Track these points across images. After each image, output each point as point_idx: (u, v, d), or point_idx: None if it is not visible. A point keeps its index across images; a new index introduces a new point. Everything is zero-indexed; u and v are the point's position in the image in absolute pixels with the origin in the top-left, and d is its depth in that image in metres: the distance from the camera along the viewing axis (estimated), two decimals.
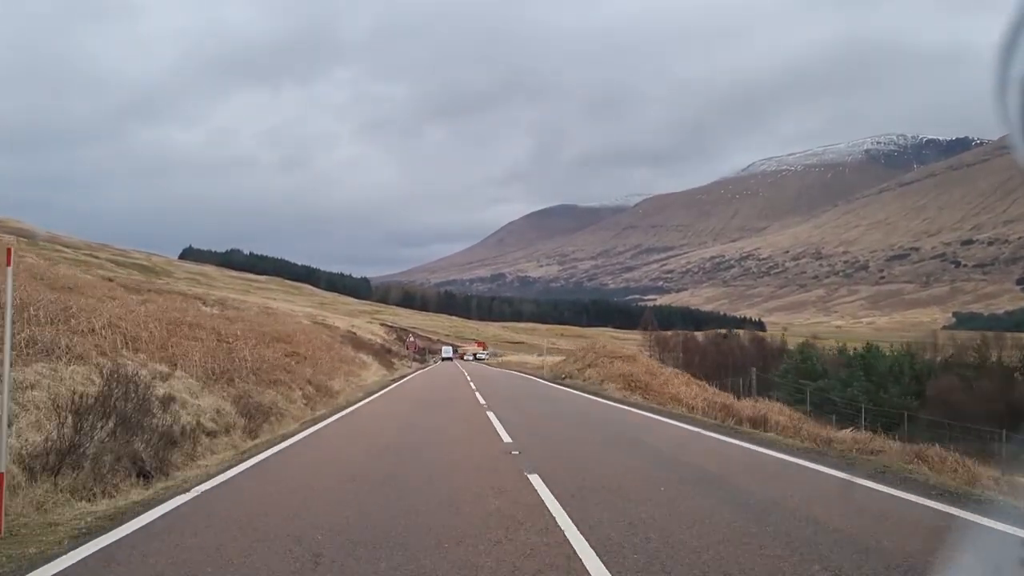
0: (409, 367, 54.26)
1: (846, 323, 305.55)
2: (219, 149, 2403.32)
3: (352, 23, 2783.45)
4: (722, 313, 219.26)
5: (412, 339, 67.73)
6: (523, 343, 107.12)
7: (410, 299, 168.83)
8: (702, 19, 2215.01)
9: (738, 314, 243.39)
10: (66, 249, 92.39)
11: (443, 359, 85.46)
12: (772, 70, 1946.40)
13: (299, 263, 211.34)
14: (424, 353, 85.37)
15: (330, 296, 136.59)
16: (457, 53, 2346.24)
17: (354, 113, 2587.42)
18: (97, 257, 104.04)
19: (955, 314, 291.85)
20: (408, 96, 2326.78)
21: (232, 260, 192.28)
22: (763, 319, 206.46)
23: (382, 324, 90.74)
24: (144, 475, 7.58)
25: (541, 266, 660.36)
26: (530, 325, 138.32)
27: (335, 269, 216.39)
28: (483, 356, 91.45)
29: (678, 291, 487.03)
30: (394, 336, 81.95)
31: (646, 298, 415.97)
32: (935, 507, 6.31)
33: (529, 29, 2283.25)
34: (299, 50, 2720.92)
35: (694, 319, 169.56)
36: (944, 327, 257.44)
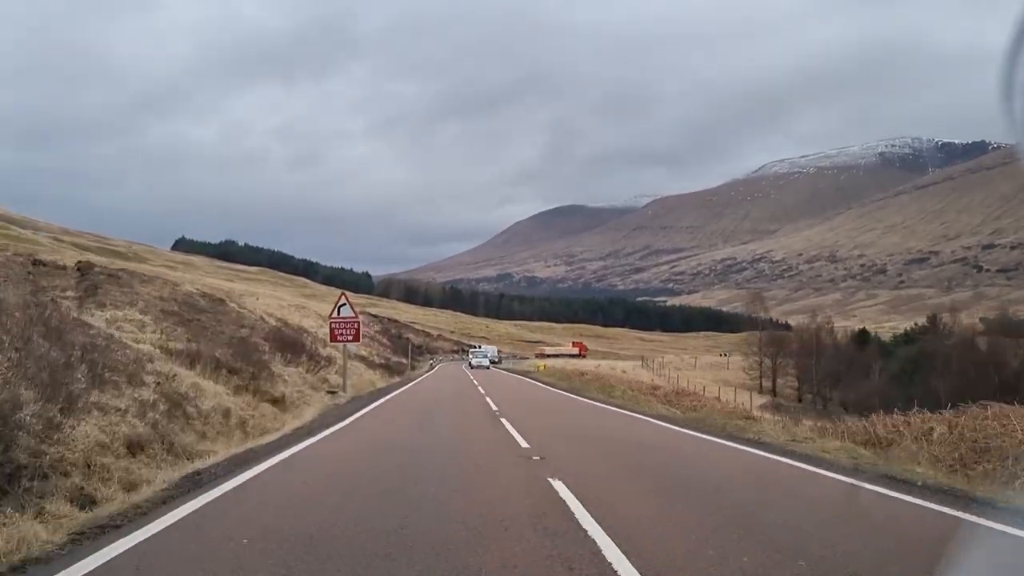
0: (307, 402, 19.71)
1: (867, 327, 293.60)
2: (230, 144, 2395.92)
3: (367, 19, 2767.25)
4: (747, 315, 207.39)
5: (341, 313, 24.91)
6: (541, 342, 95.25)
7: (413, 294, 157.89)
8: (719, 18, 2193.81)
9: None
10: (18, 229, 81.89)
11: (471, 366, 58.89)
12: (787, 71, 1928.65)
13: (298, 257, 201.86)
14: (416, 353, 68.89)
15: (324, 289, 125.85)
16: (472, 51, 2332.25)
17: (367, 110, 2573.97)
18: (60, 240, 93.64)
19: (982, 319, 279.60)
20: (422, 94, 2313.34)
21: (226, 252, 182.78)
22: (785, 321, 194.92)
23: (362, 312, 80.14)
24: None
25: (548, 266, 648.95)
26: (544, 324, 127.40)
27: (337, 265, 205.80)
28: (485, 361, 63.72)
29: (689, 293, 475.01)
30: (378, 328, 69.69)
31: (656, 300, 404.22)
32: None
33: (546, 26, 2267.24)
34: (313, 45, 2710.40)
35: (717, 319, 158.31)
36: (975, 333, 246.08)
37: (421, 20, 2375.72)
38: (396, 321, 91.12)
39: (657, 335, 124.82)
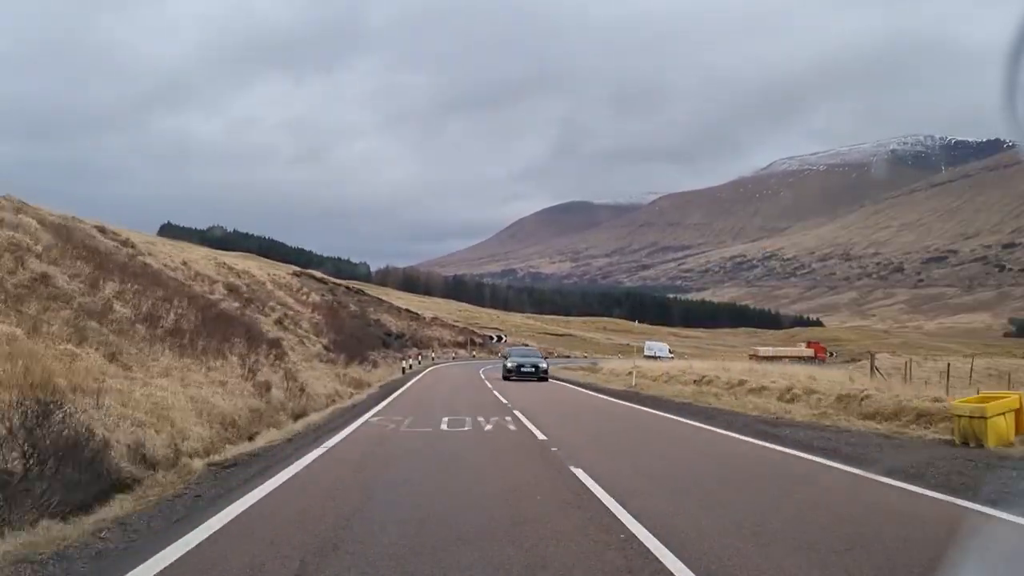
0: None
1: (888, 327, 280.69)
2: (238, 138, 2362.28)
3: (377, 12, 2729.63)
4: (771, 311, 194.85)
5: None
6: (572, 336, 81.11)
7: (412, 284, 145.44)
8: (734, 14, 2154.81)
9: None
10: None
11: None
12: (801, 68, 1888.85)
13: (292, 245, 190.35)
14: (395, 345, 48.59)
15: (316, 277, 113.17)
16: (482, 45, 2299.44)
17: (376, 104, 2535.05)
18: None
19: (1012, 320, 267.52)
20: (431, 87, 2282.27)
21: (213, 237, 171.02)
22: (817, 318, 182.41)
23: (298, 275, 63.39)
24: None
25: (553, 262, 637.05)
26: (560, 318, 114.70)
27: (335, 256, 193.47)
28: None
29: (698, 290, 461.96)
30: (316, 298, 47.67)
31: (669, 296, 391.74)
32: None
33: (557, 21, 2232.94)
34: (323, 38, 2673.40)
35: (742, 315, 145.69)
36: (1005, 334, 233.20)
37: (431, 14, 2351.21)
38: (362, 293, 68.64)
39: (693, 331, 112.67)
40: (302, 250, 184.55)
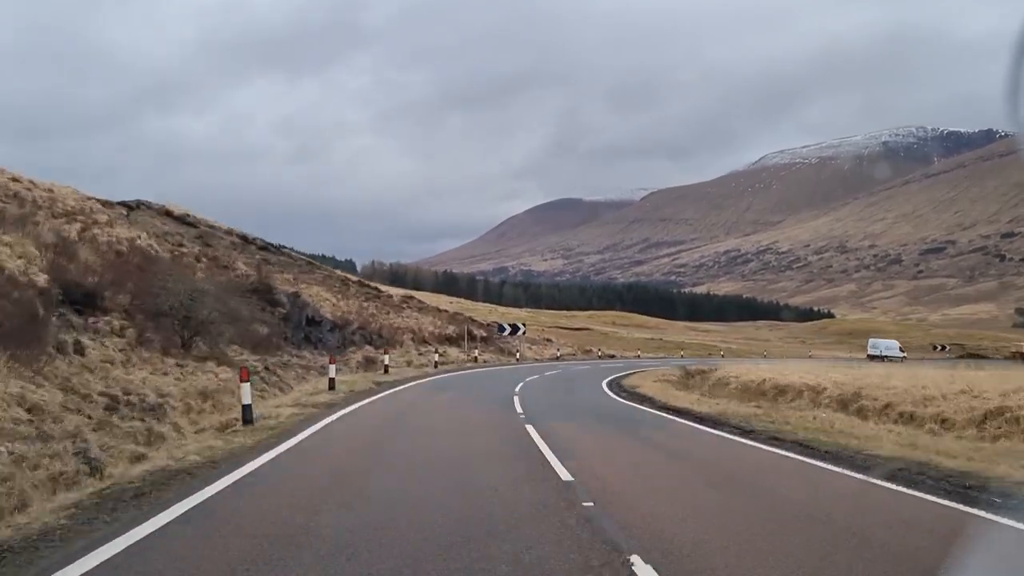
0: None
1: (889, 319, 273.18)
2: (232, 137, 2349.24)
3: (375, 5, 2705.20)
4: (779, 303, 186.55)
5: None
6: (591, 331, 71.89)
7: (399, 280, 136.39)
8: (734, 4, 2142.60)
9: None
10: None
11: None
12: (798, 60, 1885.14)
13: (274, 242, 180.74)
14: (324, 341, 30.79)
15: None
16: (480, 38, 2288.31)
17: (370, 101, 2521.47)
18: None
19: (1019, 310, 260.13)
20: (427, 85, 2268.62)
21: None
22: (828, 310, 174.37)
23: (129, 207, 39.13)
24: None
25: (545, 260, 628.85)
26: (564, 312, 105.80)
27: (319, 253, 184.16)
28: None
29: (693, 285, 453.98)
30: (138, 235, 25.52)
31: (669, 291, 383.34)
32: None
33: (554, 15, 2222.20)
34: (318, 34, 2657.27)
35: (751, 308, 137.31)
36: (1014, 325, 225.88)
37: (428, 9, 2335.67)
38: (272, 251, 47.89)
39: (711, 325, 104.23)
40: (283, 247, 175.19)
